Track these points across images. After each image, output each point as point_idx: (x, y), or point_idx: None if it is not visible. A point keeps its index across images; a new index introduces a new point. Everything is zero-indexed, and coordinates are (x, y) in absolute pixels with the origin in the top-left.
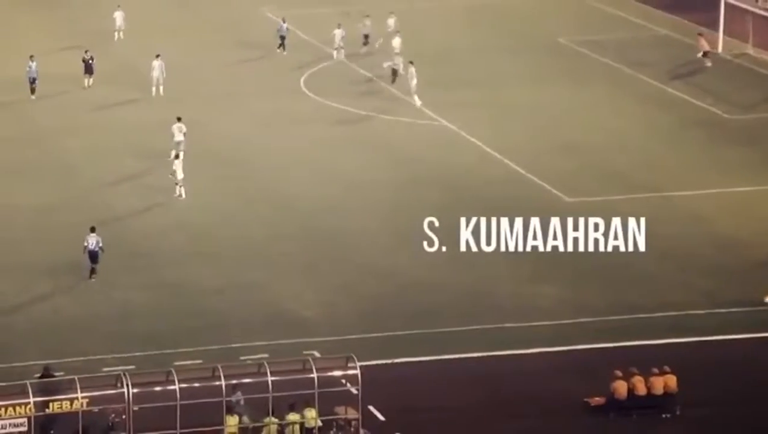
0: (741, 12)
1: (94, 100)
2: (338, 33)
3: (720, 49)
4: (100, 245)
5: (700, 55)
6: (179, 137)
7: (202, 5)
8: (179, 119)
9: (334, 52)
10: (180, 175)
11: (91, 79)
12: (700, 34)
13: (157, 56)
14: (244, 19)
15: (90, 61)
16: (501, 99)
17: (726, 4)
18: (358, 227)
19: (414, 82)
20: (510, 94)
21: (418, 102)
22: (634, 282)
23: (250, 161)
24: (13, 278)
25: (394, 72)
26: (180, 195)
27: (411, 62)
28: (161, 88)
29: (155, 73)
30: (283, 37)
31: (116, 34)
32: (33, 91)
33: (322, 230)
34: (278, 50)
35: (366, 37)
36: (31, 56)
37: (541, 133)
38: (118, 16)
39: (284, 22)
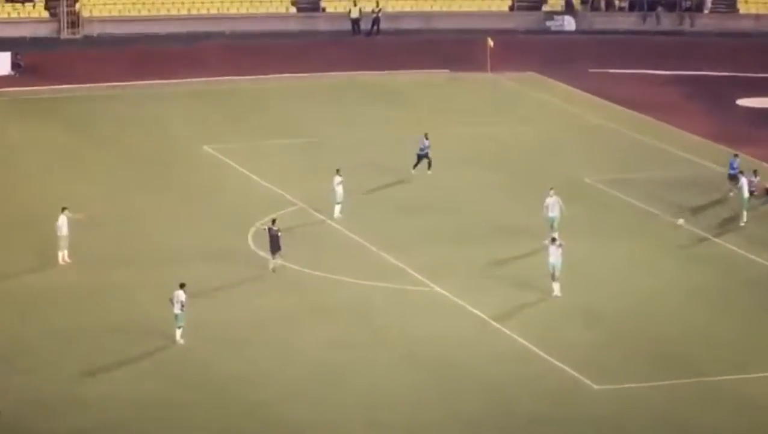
0: None
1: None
2: (338, 182)
3: None
4: None
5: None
6: None
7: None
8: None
9: (337, 208)
10: None
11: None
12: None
13: (63, 209)
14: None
15: None
16: (504, 256)
17: None
18: (329, 419)
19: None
20: (514, 248)
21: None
22: None
23: (193, 338)
24: None
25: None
26: None
27: None
28: (66, 252)
29: (63, 232)
30: (420, 156)
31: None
32: None
33: (286, 422)
34: (413, 171)
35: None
36: None
37: (560, 297)
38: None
39: (426, 139)
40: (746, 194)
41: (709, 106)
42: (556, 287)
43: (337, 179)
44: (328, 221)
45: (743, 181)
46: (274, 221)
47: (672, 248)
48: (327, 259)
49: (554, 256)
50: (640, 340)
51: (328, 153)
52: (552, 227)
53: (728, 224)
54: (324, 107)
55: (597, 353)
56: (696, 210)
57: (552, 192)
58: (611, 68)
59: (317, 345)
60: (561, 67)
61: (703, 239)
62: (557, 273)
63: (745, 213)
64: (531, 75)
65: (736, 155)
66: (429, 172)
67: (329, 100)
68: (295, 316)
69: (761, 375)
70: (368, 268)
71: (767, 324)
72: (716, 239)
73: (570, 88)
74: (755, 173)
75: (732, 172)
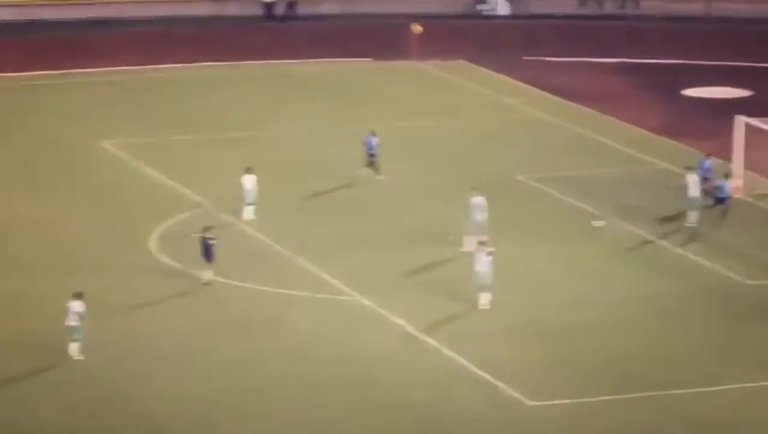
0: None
1: None
2: (249, 179)
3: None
4: None
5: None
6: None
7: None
8: None
9: (248, 210)
10: None
11: None
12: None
13: None
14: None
15: None
16: (430, 261)
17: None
18: None
19: None
20: (441, 253)
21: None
22: None
23: (92, 356)
24: None
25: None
26: None
27: None
28: None
29: None
30: (372, 155)
31: None
32: None
33: None
34: (366, 172)
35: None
36: None
37: (490, 309)
38: None
39: (374, 135)
40: (694, 194)
41: (654, 96)
42: (484, 298)
43: (248, 177)
44: (239, 225)
45: (689, 179)
46: (207, 229)
47: (611, 253)
48: (238, 266)
49: (482, 264)
50: (578, 352)
51: (239, 150)
52: (474, 230)
53: (676, 225)
54: (235, 100)
55: (531, 367)
56: (640, 210)
57: (475, 193)
58: (548, 56)
59: (225, 363)
60: (493, 55)
61: (647, 242)
62: (486, 283)
63: (692, 213)
64: (461, 63)
65: (708, 155)
66: (364, 171)
67: (241, 91)
68: (202, 330)
69: (722, 387)
70: (283, 276)
71: (722, 335)
72: (662, 242)
73: (503, 77)
74: (726, 176)
75: (704, 175)
